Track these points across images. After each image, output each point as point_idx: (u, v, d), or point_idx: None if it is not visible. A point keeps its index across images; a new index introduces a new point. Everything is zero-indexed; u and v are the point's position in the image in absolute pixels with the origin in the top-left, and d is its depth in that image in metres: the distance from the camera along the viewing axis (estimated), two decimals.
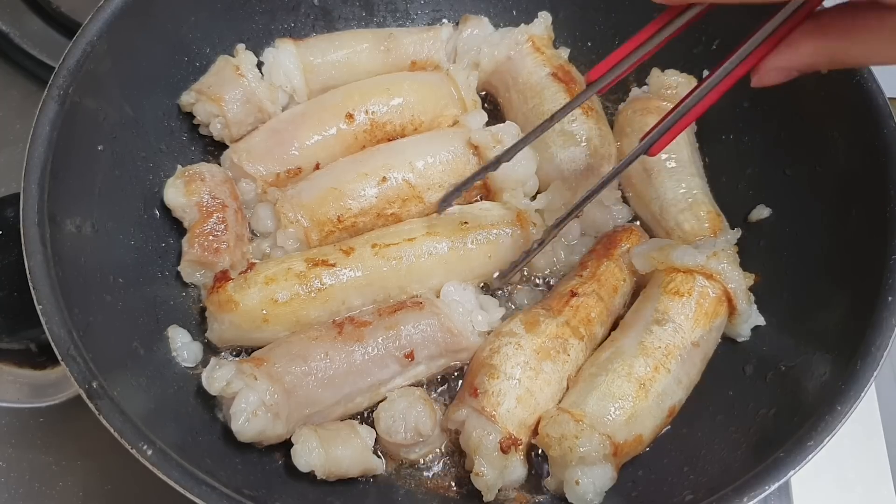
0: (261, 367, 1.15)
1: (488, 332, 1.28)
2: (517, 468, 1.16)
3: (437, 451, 1.24)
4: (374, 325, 1.23)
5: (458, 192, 1.30)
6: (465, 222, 1.34)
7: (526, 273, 1.40)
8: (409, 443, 1.19)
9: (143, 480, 0.99)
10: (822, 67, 0.88)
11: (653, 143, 1.09)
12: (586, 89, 1.10)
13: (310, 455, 1.12)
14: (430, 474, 1.23)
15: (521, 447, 1.15)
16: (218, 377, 1.13)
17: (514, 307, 1.38)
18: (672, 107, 1.07)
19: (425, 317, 1.24)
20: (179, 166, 1.35)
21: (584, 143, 1.42)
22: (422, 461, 1.24)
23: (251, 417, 1.11)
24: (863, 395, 1.03)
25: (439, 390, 1.31)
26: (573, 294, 1.28)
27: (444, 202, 1.32)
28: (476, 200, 1.44)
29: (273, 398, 1.12)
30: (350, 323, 1.24)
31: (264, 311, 1.24)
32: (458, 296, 1.29)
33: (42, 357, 1.39)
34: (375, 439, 1.19)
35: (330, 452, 1.13)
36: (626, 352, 1.21)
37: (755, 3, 0.87)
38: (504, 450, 1.13)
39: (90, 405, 0.97)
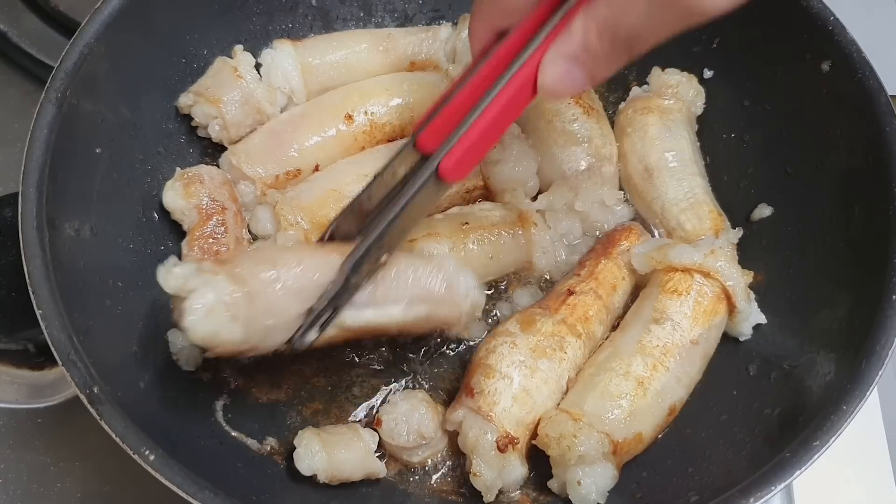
0: (223, 266, 1.01)
1: (476, 316, 1.23)
2: (516, 468, 1.15)
3: (441, 453, 1.24)
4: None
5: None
6: (466, 223, 1.34)
7: (526, 274, 1.40)
8: (411, 445, 1.18)
9: (141, 482, 0.98)
10: (609, 55, 0.78)
11: (440, 161, 0.94)
12: (407, 144, 1.01)
13: (312, 459, 1.12)
14: (434, 477, 1.23)
15: (518, 446, 1.15)
16: (175, 273, 0.97)
17: (515, 307, 1.37)
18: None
19: (431, 264, 1.14)
20: (178, 168, 1.34)
21: (585, 143, 1.42)
22: (426, 464, 1.23)
23: (206, 314, 0.95)
24: (868, 394, 1.03)
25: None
26: (570, 293, 1.28)
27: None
28: (477, 201, 1.44)
29: (233, 298, 0.97)
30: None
31: None
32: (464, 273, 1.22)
33: (40, 358, 1.37)
34: (378, 443, 1.18)
35: (332, 456, 1.12)
36: (624, 351, 1.21)
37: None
38: (501, 449, 1.12)
39: (91, 410, 0.96)
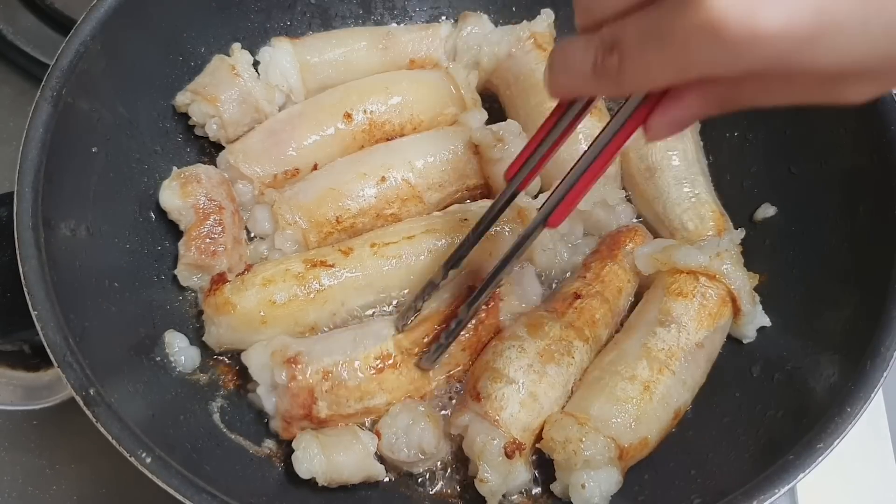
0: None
1: None
2: (521, 473, 1.14)
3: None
4: None
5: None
6: (465, 219, 1.33)
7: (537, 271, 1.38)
8: (412, 460, 1.17)
9: (138, 485, 0.98)
10: (714, 114, 0.81)
11: (549, 213, 0.99)
12: (505, 189, 1.09)
13: (311, 462, 1.11)
14: (434, 480, 1.22)
15: (525, 452, 1.14)
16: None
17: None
18: (563, 176, 0.98)
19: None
20: (175, 168, 1.33)
21: (586, 143, 1.40)
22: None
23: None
24: (872, 396, 1.02)
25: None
26: (577, 296, 1.27)
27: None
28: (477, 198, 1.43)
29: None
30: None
31: (262, 314, 1.22)
32: None
33: (35, 359, 1.37)
34: (378, 445, 1.17)
35: (331, 459, 1.11)
36: (630, 354, 1.20)
37: (631, 94, 0.82)
38: (508, 455, 1.11)
39: (87, 413, 0.96)
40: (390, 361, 1.19)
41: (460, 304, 1.22)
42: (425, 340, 1.21)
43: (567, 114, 0.95)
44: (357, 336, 1.22)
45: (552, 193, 0.97)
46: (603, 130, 0.91)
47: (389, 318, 1.25)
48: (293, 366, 1.16)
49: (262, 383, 1.18)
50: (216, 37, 1.45)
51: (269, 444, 1.21)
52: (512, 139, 1.35)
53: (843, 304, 1.16)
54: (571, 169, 0.95)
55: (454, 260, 1.19)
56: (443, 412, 1.24)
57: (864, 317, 1.10)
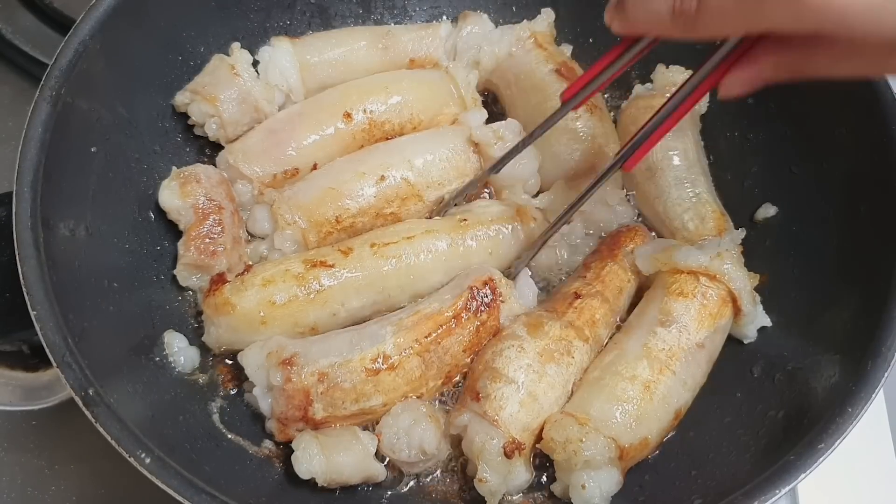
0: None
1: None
2: (521, 473, 1.14)
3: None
4: None
5: (458, 197, 1.30)
6: (465, 219, 1.33)
7: (531, 273, 1.38)
8: (412, 460, 1.16)
9: (137, 485, 0.97)
10: (784, 79, 0.90)
11: (627, 158, 1.13)
12: (560, 108, 1.18)
13: (311, 462, 1.10)
14: (434, 481, 1.21)
15: (524, 452, 1.14)
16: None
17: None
18: (645, 121, 1.11)
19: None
20: (174, 168, 1.33)
21: (587, 142, 1.41)
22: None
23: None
24: (873, 396, 1.02)
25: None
26: (577, 296, 1.27)
27: (444, 207, 1.32)
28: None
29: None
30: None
31: (262, 314, 1.22)
32: None
33: (34, 359, 1.37)
34: (377, 446, 1.17)
35: (331, 459, 1.11)
36: (630, 354, 1.20)
37: (702, 39, 0.87)
38: (508, 455, 1.11)
39: (87, 413, 0.95)
40: (387, 363, 1.18)
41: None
42: (427, 339, 1.21)
43: (631, 48, 1.04)
44: (354, 338, 1.21)
45: (630, 141, 1.13)
46: (683, 85, 1.05)
47: (387, 320, 1.25)
48: (288, 367, 1.15)
49: (258, 384, 1.17)
50: (216, 36, 1.45)
51: (268, 445, 1.21)
52: (512, 138, 1.35)
53: (844, 305, 1.16)
54: (649, 120, 1.11)
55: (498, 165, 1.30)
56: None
57: (865, 317, 1.10)
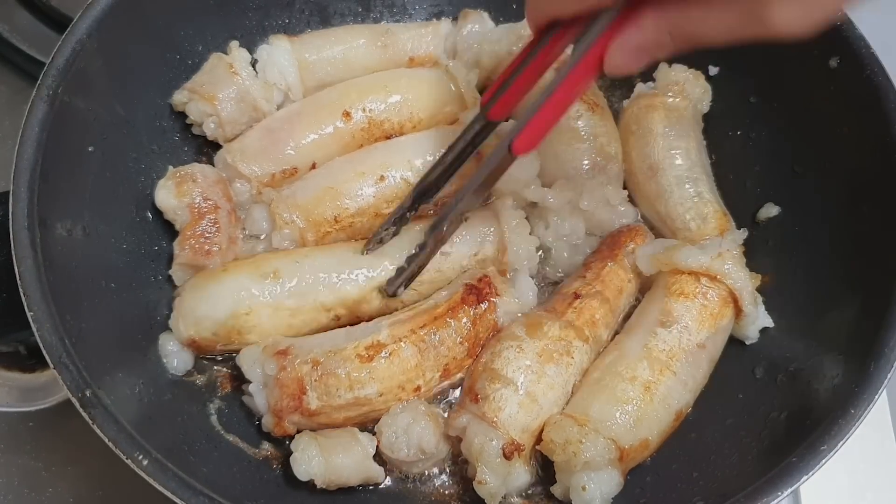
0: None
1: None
2: (521, 475, 1.14)
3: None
4: None
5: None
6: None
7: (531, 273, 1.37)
8: (411, 460, 1.16)
9: (134, 486, 0.97)
10: (672, 47, 0.88)
11: (514, 138, 1.04)
12: (478, 114, 1.17)
13: (309, 463, 1.10)
14: (435, 483, 1.21)
15: (524, 453, 1.13)
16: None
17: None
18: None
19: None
20: (171, 167, 1.32)
21: (589, 141, 1.40)
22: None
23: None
24: (876, 397, 1.01)
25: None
26: (577, 296, 1.26)
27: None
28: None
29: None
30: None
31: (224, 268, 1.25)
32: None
33: (31, 360, 1.37)
34: (377, 447, 1.16)
35: (330, 461, 1.11)
36: (631, 355, 1.19)
37: (591, 7, 0.88)
38: (507, 456, 1.10)
39: (84, 414, 0.95)
40: (382, 351, 1.18)
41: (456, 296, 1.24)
42: (422, 330, 1.20)
43: (539, 44, 1.04)
44: (350, 331, 1.22)
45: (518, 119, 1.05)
46: (566, 62, 0.98)
47: (383, 317, 1.25)
48: (283, 357, 1.15)
49: (253, 380, 1.17)
50: (214, 35, 1.44)
51: (267, 446, 1.21)
52: None
53: (846, 305, 1.16)
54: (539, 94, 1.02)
55: (423, 188, 1.24)
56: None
57: (868, 317, 1.09)
